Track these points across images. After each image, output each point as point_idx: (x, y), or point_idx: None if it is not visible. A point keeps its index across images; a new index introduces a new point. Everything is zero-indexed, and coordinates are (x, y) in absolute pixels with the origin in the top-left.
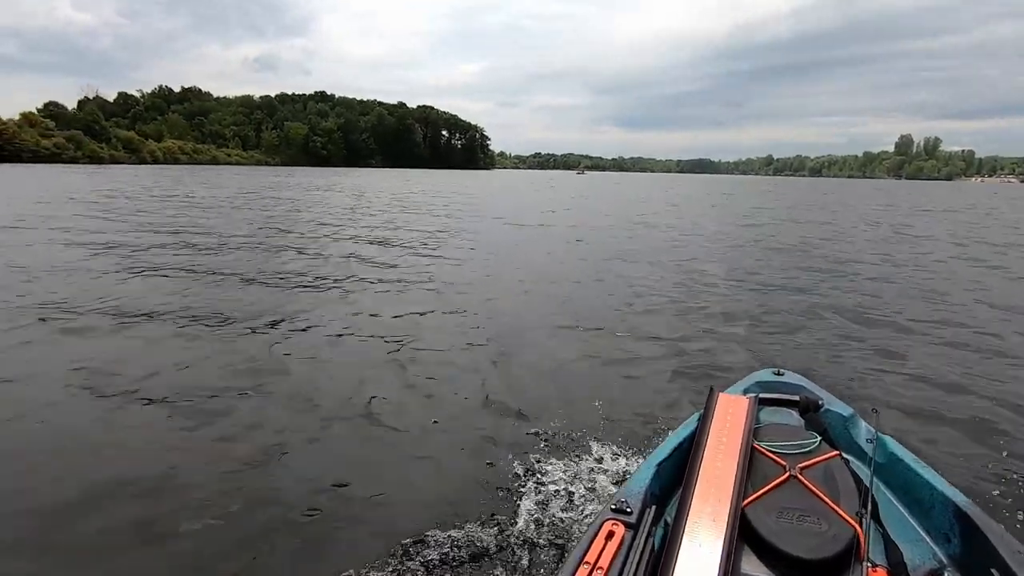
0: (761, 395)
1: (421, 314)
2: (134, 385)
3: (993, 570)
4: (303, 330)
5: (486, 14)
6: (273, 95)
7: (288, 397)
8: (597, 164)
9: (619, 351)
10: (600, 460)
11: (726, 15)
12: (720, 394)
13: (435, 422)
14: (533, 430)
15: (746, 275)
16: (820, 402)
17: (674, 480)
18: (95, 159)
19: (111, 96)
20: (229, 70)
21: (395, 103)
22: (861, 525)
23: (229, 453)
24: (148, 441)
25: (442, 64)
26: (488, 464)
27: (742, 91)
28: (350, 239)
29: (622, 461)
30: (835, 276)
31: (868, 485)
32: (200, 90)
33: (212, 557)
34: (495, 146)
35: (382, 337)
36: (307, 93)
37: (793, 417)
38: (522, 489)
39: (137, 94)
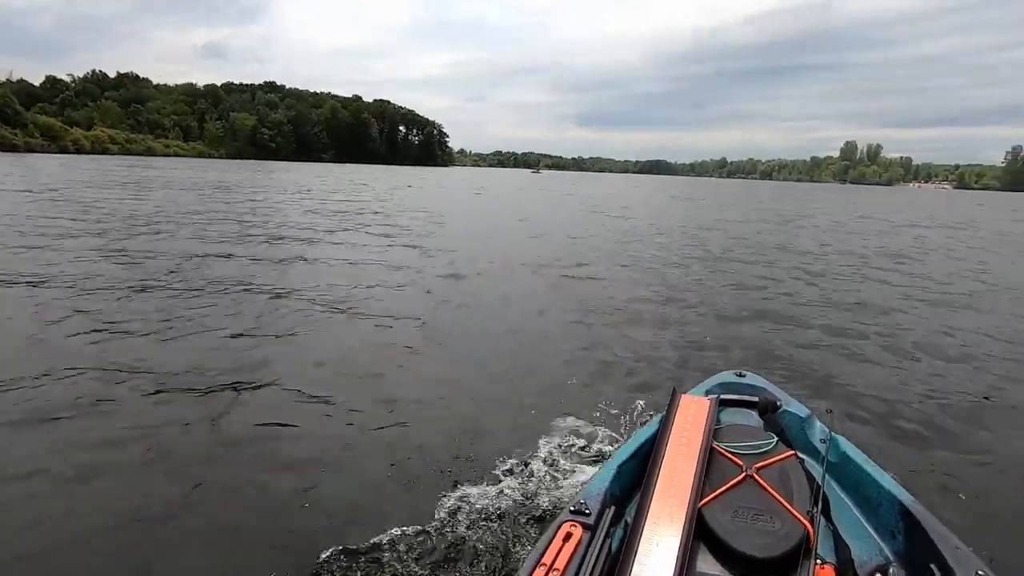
0: (722, 396)
1: None
2: None
3: (933, 566)
4: None
5: (452, 7)
6: (219, 84)
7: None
8: (557, 163)
9: (580, 355)
10: (559, 463)
11: (690, 18)
12: (682, 395)
13: (390, 425)
14: (492, 434)
15: (705, 280)
16: (778, 403)
17: (635, 481)
18: (5, 146)
19: (39, 79)
20: (176, 56)
21: (350, 96)
22: (813, 523)
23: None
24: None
25: (405, 57)
26: (447, 468)
27: (702, 94)
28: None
29: (582, 463)
30: (796, 281)
31: (822, 485)
32: (138, 76)
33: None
34: (458, 143)
35: None
36: (256, 83)
37: (752, 418)
38: (483, 493)
39: (67, 78)
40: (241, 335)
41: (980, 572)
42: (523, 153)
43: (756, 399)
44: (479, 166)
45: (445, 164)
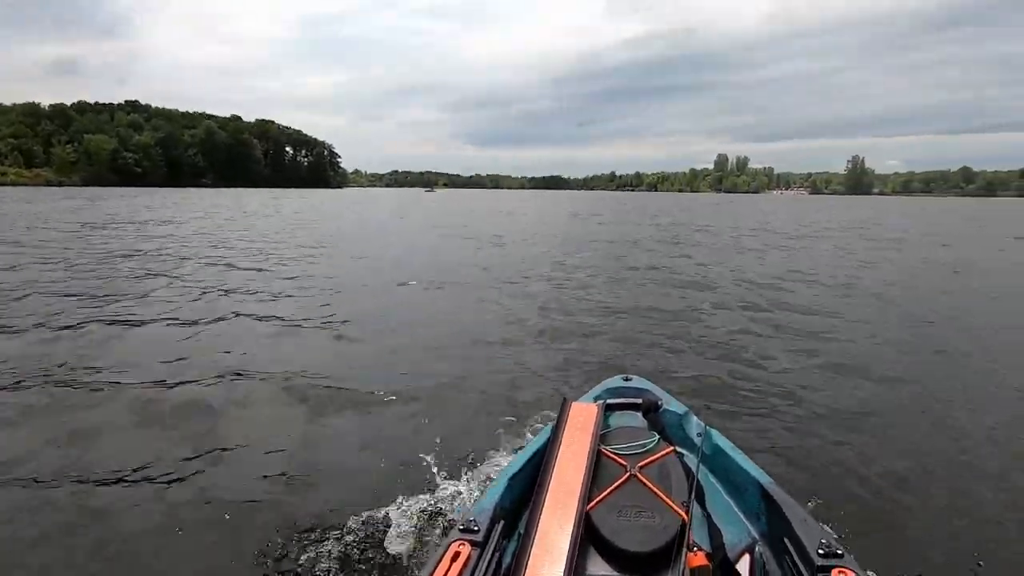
0: (609, 401)
1: None
2: None
3: (786, 539)
4: None
5: (337, 25)
6: (69, 103)
7: None
8: (455, 181)
9: (470, 380)
10: (453, 487)
11: (571, 40)
12: (572, 403)
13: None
14: (379, 463)
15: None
16: (660, 403)
17: (527, 492)
18: None
19: None
20: (17, 74)
21: (228, 116)
22: (689, 513)
23: None
24: None
25: (290, 76)
26: (330, 497)
27: (588, 112)
28: None
29: (476, 483)
30: (680, 289)
31: (696, 475)
32: None
33: None
34: (352, 163)
35: None
36: (116, 102)
37: (638, 419)
38: (369, 520)
39: None
40: None
41: (823, 540)
42: (420, 172)
43: (640, 401)
44: (376, 186)
45: (338, 186)
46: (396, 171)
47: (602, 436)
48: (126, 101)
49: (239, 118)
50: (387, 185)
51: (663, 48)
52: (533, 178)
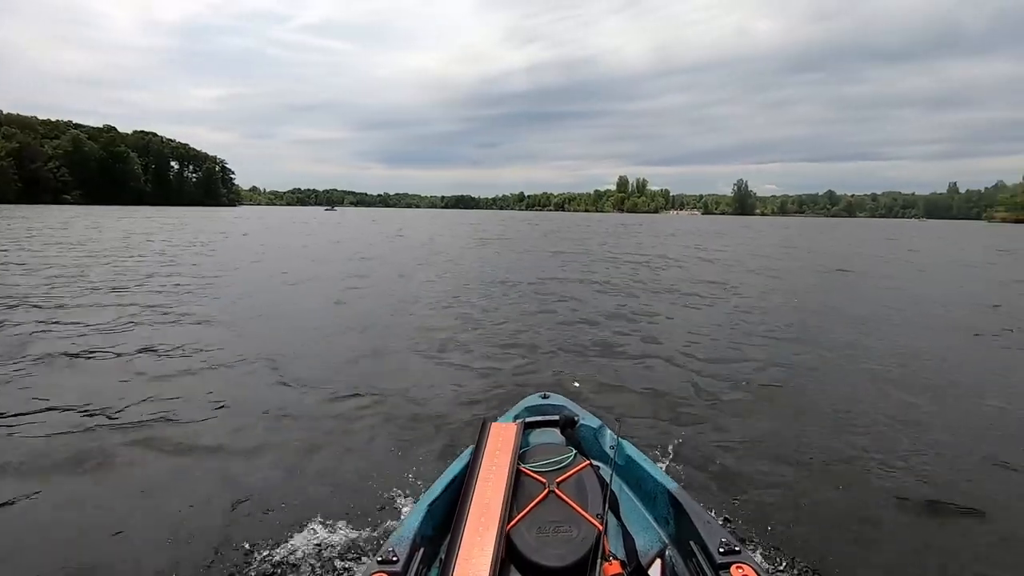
0: (527, 419)
1: None
2: None
3: (691, 541)
4: None
5: (225, 36)
6: None
7: None
8: (362, 200)
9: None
10: (374, 518)
11: (472, 64)
12: (492, 424)
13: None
14: (297, 494)
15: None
16: (576, 418)
17: (448, 517)
18: None
19: None
20: None
21: (100, 126)
22: (604, 524)
23: None
24: None
25: (172, 87)
26: (249, 524)
27: (495, 134)
28: None
29: (397, 511)
30: (589, 305)
31: (610, 486)
32: None
33: None
34: (248, 180)
35: None
36: None
37: (556, 436)
38: (279, 562)
39: None
40: None
41: (723, 539)
42: (325, 190)
43: (558, 417)
44: (275, 204)
45: (232, 203)
46: (298, 189)
47: (522, 454)
48: None
49: (113, 129)
50: (288, 203)
51: (560, 76)
52: (444, 197)
